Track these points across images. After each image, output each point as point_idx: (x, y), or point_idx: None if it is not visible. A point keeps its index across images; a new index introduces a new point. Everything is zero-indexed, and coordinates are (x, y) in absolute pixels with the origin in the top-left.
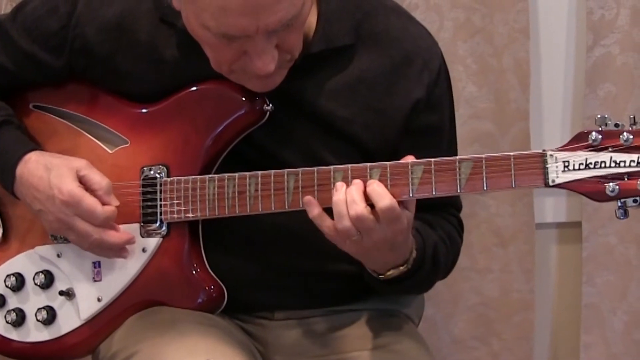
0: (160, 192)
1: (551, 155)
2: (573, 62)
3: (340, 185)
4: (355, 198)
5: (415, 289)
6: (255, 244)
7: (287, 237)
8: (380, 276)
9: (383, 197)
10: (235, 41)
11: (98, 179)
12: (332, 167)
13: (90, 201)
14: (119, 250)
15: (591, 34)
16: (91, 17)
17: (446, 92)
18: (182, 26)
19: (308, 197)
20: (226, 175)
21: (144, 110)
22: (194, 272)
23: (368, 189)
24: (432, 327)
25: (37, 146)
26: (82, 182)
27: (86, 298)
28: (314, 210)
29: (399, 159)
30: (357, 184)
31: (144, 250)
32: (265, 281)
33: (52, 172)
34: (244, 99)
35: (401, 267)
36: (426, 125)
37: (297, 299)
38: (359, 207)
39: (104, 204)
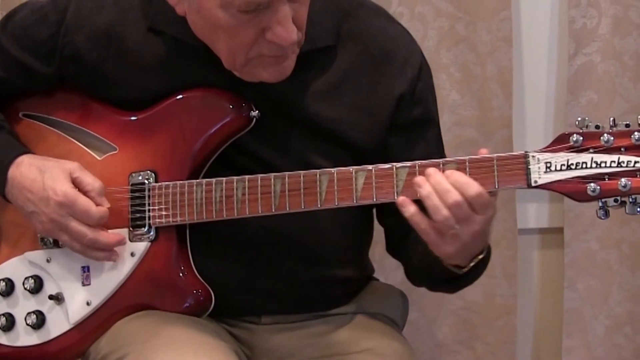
0: (149, 197)
1: (533, 156)
2: (555, 70)
3: (422, 181)
4: (447, 187)
5: (478, 277)
6: (243, 248)
7: (275, 242)
8: (463, 269)
9: (470, 184)
10: (256, 15)
11: (90, 180)
12: (317, 170)
13: (84, 201)
14: (110, 252)
15: (573, 43)
16: (80, 26)
17: (430, 87)
18: (171, 34)
19: (402, 198)
20: (214, 179)
21: (132, 118)
22: (181, 275)
23: (450, 180)
24: (416, 331)
25: (28, 150)
26: (75, 183)
27: (75, 302)
28: (411, 209)
29: (390, 157)
30: (440, 175)
31: (132, 254)
32: (252, 285)
33: (45, 174)
34: (231, 106)
35: (479, 256)
36: (415, 118)
37: (284, 304)
38: (455, 194)
39: (96, 204)
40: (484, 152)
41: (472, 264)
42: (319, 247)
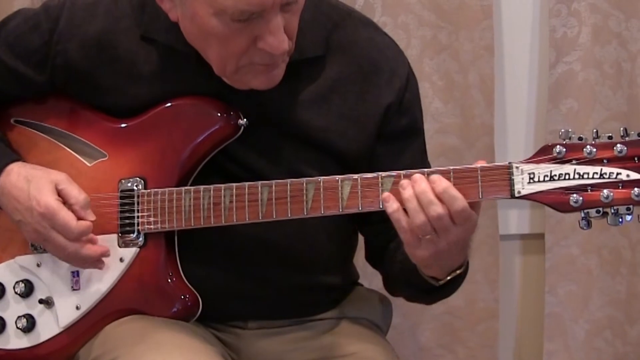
0: (138, 204)
1: (517, 167)
2: (536, 78)
3: (406, 184)
4: (431, 199)
5: (454, 291)
6: (230, 254)
7: (262, 248)
8: (440, 282)
9: (457, 199)
10: (248, 24)
11: (75, 193)
12: (304, 179)
13: (65, 215)
14: (95, 262)
15: (554, 51)
16: (73, 34)
17: (417, 97)
18: (163, 41)
19: (387, 193)
20: (201, 187)
21: (122, 125)
22: (169, 281)
23: (437, 191)
24: (399, 336)
25: (19, 157)
26: (60, 195)
27: (65, 306)
28: (394, 205)
29: (376, 166)
30: (426, 184)
31: (121, 260)
32: (239, 291)
33: (31, 184)
34: (219, 114)
35: (458, 271)
36: (402, 128)
37: (270, 309)
38: (438, 208)
39: (80, 218)
40: (482, 163)
41: (449, 277)
42: (305, 254)
